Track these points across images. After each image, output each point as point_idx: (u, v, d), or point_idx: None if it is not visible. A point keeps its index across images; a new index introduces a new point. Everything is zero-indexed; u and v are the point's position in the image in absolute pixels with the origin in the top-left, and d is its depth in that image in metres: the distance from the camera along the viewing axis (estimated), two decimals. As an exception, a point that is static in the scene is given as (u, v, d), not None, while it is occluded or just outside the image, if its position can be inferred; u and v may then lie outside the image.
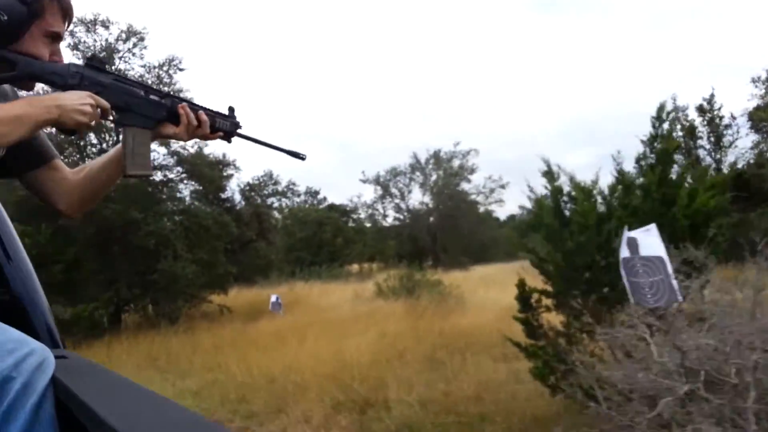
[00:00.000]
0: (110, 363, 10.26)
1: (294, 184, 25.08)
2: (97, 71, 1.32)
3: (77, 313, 12.09)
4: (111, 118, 1.35)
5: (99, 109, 1.28)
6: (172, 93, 1.50)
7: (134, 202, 13.90)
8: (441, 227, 29.30)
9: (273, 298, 16.35)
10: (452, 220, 29.14)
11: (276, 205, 26.41)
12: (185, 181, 15.73)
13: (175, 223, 14.03)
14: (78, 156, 14.56)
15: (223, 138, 1.49)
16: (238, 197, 20.32)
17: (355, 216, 32.51)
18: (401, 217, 31.79)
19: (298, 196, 30.59)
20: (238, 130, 1.51)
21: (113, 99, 1.31)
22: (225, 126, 1.48)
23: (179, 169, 16.17)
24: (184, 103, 1.41)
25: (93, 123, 1.29)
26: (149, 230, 13.56)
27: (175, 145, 16.05)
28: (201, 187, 15.95)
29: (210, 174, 16.06)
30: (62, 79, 1.28)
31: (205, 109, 1.43)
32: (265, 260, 21.82)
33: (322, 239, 26.83)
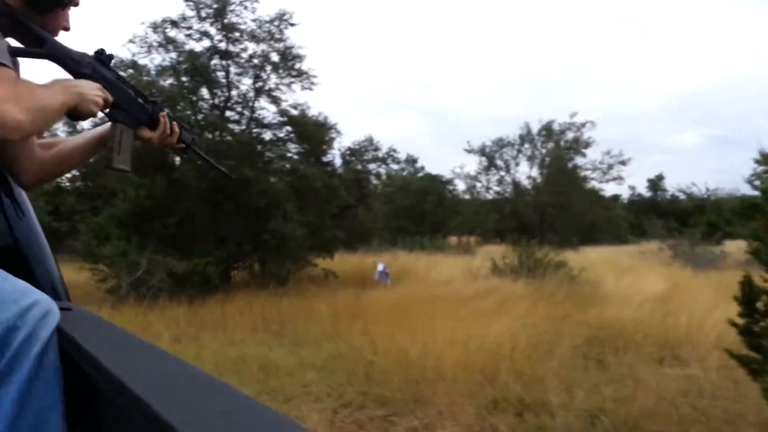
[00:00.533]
0: (224, 322, 9.97)
1: (395, 150, 24.22)
2: (103, 66, 1.38)
3: (191, 268, 11.92)
4: (106, 111, 1.38)
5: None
6: (155, 100, 1.50)
7: (247, 159, 13.57)
8: (550, 203, 27.54)
9: (380, 267, 15.70)
10: (563, 197, 27.29)
11: (375, 171, 25.81)
12: (293, 142, 15.23)
13: (285, 184, 13.55)
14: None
15: (181, 150, 1.60)
16: (338, 162, 19.86)
17: (451, 187, 31.30)
18: (500, 191, 30.30)
19: (398, 163, 29.76)
20: (191, 144, 1.61)
21: (113, 95, 1.36)
22: (188, 139, 1.58)
23: (288, 128, 15.70)
24: (165, 112, 1.50)
25: (96, 114, 1.33)
26: (261, 189, 13.18)
27: (285, 103, 15.63)
28: (307, 148, 15.42)
29: (318, 134, 15.50)
30: (78, 66, 1.33)
31: (177, 122, 1.54)
32: (365, 227, 21.29)
33: (425, 209, 25.95)
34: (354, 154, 21.95)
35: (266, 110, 15.69)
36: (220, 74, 15.21)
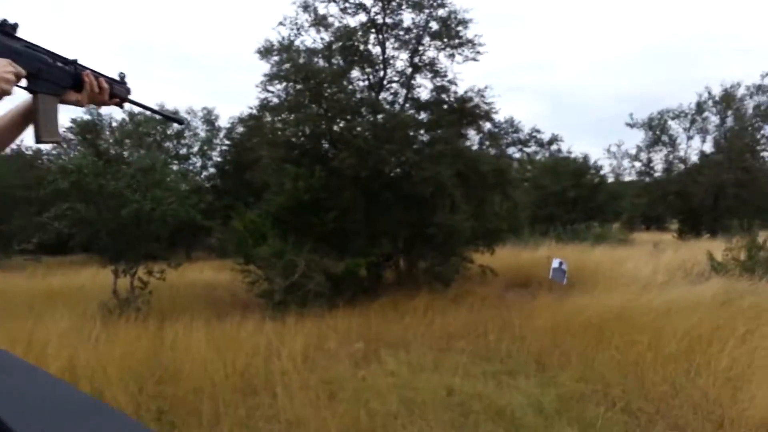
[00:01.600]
0: (403, 336, 8.22)
1: (538, 131, 21.53)
2: (9, 37, 1.28)
3: (349, 269, 10.36)
4: (23, 84, 1.30)
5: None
6: (75, 60, 1.40)
7: (406, 142, 11.79)
8: (730, 183, 23.41)
9: (555, 263, 13.25)
10: (747, 174, 23.12)
11: (517, 155, 23.27)
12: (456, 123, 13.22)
13: (451, 169, 11.60)
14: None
15: (117, 104, 1.54)
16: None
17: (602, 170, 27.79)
18: (665, 169, 26.29)
19: (541, 146, 26.86)
20: (129, 96, 1.55)
21: (26, 66, 1.28)
22: (122, 93, 1.52)
23: (447, 106, 13.75)
24: (88, 71, 1.42)
25: (12, 91, 1.25)
26: (425, 176, 11.32)
27: (442, 80, 13.70)
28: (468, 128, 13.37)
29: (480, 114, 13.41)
30: None
31: (104, 77, 1.46)
32: (510, 216, 18.89)
33: (578, 194, 23.01)
34: (493, 137, 19.67)
35: (423, 87, 13.93)
36: (375, 51, 13.64)
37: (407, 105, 13.63)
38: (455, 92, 13.72)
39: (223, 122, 29.20)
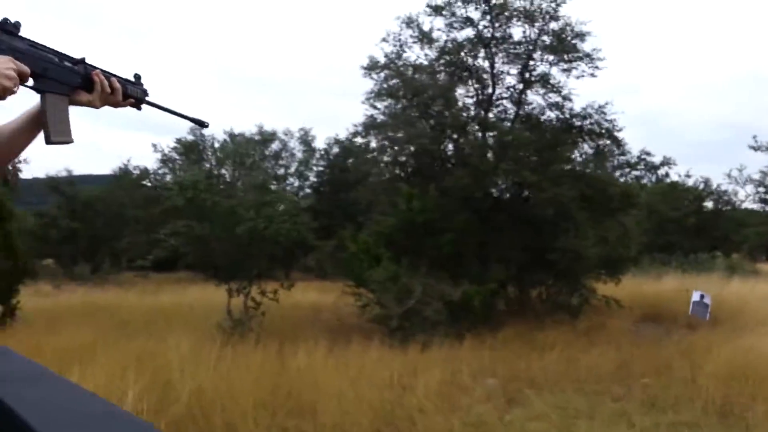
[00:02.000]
0: (540, 374, 7.35)
1: (648, 153, 19.81)
2: (11, 36, 1.24)
3: (470, 295, 9.61)
4: (29, 84, 1.27)
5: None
6: (83, 59, 1.37)
7: (524, 163, 11.01)
8: None
9: (695, 296, 11.86)
10: None
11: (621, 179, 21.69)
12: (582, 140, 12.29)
13: (575, 190, 10.66)
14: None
15: (133, 105, 1.50)
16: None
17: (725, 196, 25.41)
18: None
19: (650, 169, 24.96)
20: (147, 98, 1.51)
21: (31, 65, 1.25)
22: (136, 93, 1.49)
23: (560, 124, 12.86)
24: (98, 70, 1.39)
25: (16, 89, 1.21)
26: (546, 197, 10.46)
27: (553, 96, 12.85)
28: (595, 146, 12.37)
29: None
30: None
31: (116, 77, 1.43)
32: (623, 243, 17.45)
33: (699, 221, 21.10)
34: (599, 156, 18.45)
35: (535, 104, 13.12)
36: (480, 65, 13.04)
37: (517, 123, 12.85)
38: (571, 108, 12.83)
39: (320, 143, 29.51)
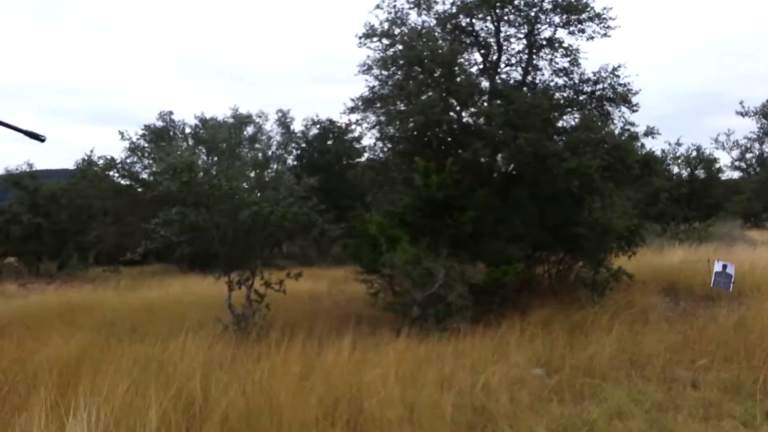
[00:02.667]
0: (600, 365, 6.62)
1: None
2: None
3: (496, 277, 8.84)
4: None
5: None
6: None
7: (545, 132, 10.22)
8: None
9: (717, 266, 11.30)
10: None
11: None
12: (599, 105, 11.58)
13: (599, 160, 9.94)
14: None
15: None
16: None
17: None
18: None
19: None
20: None
21: None
22: None
23: (571, 91, 12.12)
24: None
25: None
26: (570, 167, 9.71)
27: (563, 60, 12.09)
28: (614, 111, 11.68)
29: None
30: None
31: None
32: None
33: (692, 189, 20.85)
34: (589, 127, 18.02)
35: (544, 70, 12.34)
36: (484, 28, 12.17)
37: (525, 90, 12.04)
38: (582, 73, 12.08)
39: (297, 126, 28.23)
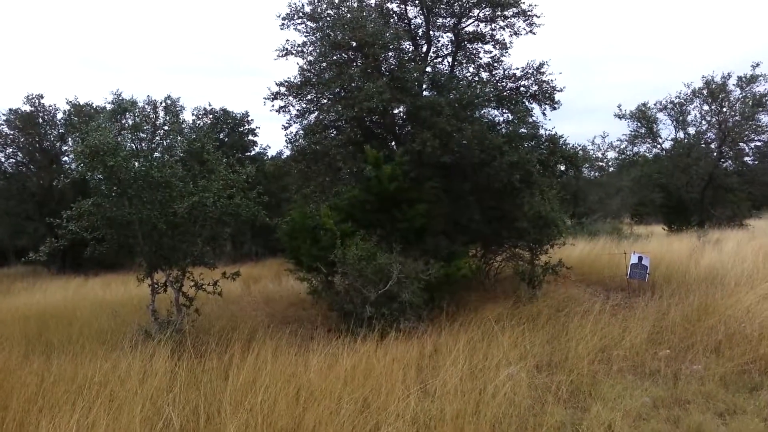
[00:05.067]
0: (577, 359, 6.49)
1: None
2: None
3: (449, 274, 8.52)
4: None
5: None
6: None
7: (488, 124, 10.11)
8: (720, 174, 23.40)
9: (633, 259, 11.95)
10: (741, 165, 23.23)
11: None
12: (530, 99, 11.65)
13: (536, 153, 10.01)
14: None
15: None
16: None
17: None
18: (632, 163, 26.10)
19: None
20: None
21: None
22: None
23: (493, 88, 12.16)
24: None
25: None
26: (512, 160, 9.66)
27: (487, 56, 12.13)
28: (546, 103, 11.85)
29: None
30: None
31: None
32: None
33: (578, 186, 22.13)
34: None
35: (469, 66, 12.27)
36: (415, 18, 11.85)
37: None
38: (507, 69, 12.16)
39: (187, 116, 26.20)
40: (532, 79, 11.90)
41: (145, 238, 7.66)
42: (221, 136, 25.22)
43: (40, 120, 23.32)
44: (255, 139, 25.62)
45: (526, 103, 11.99)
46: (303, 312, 9.53)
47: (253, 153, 25.08)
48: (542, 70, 11.80)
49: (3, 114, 23.13)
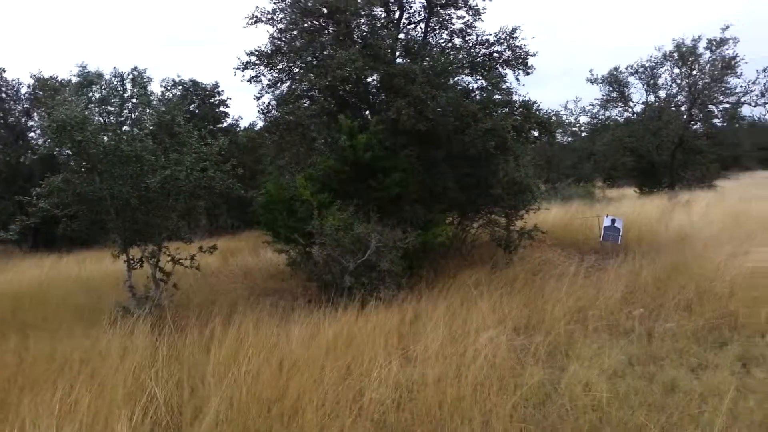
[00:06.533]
0: (554, 320, 6.62)
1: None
2: None
3: (426, 241, 8.59)
4: None
5: None
6: None
7: (463, 92, 10.06)
8: (690, 137, 23.82)
9: (606, 221, 12.15)
10: (710, 127, 23.64)
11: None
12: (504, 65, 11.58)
13: (512, 119, 10.02)
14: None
15: None
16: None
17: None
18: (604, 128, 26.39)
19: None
20: None
21: None
22: None
23: (466, 54, 12.08)
24: None
25: None
26: (486, 127, 9.66)
27: (459, 21, 12.00)
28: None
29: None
30: None
31: None
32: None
33: (552, 152, 22.33)
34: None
35: (441, 32, 12.14)
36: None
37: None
38: (481, 35, 12.07)
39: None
40: (505, 44, 11.85)
41: (119, 214, 7.53)
42: (191, 108, 24.76)
43: (3, 95, 22.54)
44: (226, 110, 25.24)
45: (500, 69, 11.98)
46: (282, 284, 9.53)
47: (224, 125, 24.65)
48: (515, 35, 11.76)
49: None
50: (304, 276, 8.94)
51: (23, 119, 23.55)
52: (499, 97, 10.53)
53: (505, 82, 11.40)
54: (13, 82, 23.17)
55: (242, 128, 25.21)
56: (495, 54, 11.96)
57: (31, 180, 18.39)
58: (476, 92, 10.90)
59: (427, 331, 5.68)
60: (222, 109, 25.02)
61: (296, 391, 4.01)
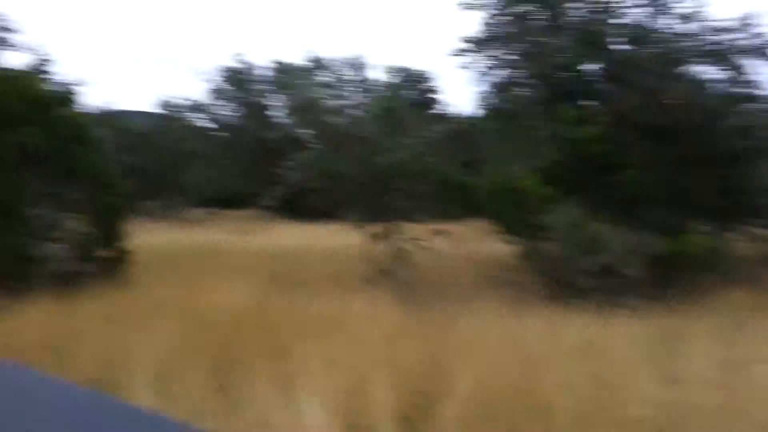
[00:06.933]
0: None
1: None
2: None
3: (678, 250, 7.81)
4: None
5: None
6: None
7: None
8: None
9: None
10: None
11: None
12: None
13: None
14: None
15: None
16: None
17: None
18: None
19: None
20: None
21: None
22: None
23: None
24: None
25: None
26: (732, 124, 8.42)
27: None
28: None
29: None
30: None
31: None
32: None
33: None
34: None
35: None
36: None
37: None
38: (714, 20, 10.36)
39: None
40: (745, 31, 10.08)
41: (356, 191, 8.21)
42: (411, 94, 25.68)
43: (251, 78, 25.75)
44: (436, 97, 25.62)
45: (736, 60, 10.28)
46: (512, 275, 9.51)
47: (436, 111, 25.20)
48: (755, 21, 9.94)
49: (221, 73, 25.58)
50: (533, 270, 8.81)
51: (265, 100, 26.45)
52: (742, 90, 9.11)
53: (746, 73, 9.84)
54: (257, 67, 26.18)
55: (455, 115, 25.53)
56: (730, 42, 10.26)
57: (278, 155, 20.84)
58: (712, 84, 9.57)
59: (688, 352, 5.17)
60: (432, 95, 25.47)
61: (544, 389, 3.96)
